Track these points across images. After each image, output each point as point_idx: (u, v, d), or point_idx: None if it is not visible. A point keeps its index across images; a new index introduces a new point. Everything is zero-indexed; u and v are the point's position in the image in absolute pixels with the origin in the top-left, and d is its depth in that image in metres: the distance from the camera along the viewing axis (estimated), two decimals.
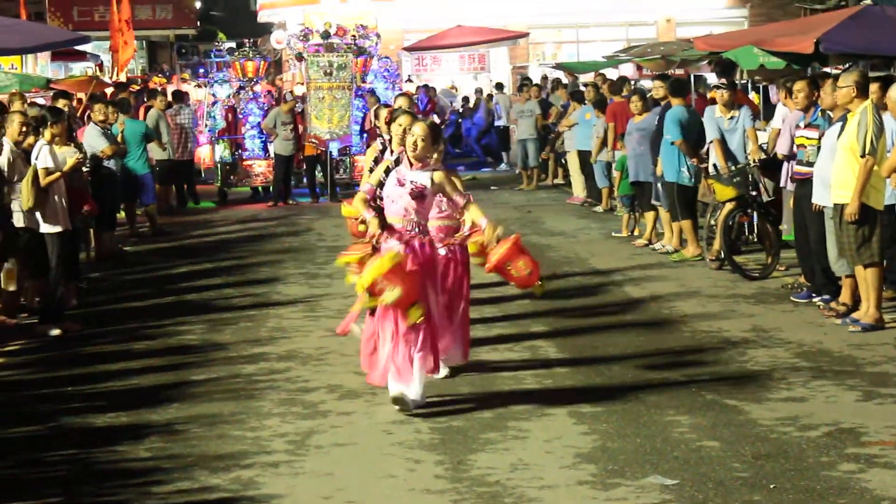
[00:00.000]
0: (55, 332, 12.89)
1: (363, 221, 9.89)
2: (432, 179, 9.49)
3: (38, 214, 12.90)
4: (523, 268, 9.87)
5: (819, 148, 12.76)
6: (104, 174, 17.97)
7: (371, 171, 11.40)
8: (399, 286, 9.10)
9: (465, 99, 36.22)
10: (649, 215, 18.12)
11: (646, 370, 10.75)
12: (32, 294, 13.92)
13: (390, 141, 10.89)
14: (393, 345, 9.39)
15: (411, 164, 9.51)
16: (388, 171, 9.63)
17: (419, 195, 9.48)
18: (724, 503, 7.38)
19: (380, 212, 9.59)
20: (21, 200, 12.80)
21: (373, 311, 9.78)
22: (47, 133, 13.39)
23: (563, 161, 26.73)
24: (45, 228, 12.96)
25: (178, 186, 25.87)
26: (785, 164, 14.11)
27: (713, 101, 17.47)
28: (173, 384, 10.79)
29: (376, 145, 11.78)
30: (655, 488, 7.67)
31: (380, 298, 9.18)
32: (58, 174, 12.99)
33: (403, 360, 9.34)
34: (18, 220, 13.12)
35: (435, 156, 9.63)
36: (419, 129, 9.53)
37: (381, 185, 9.63)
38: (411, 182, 9.46)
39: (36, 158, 12.91)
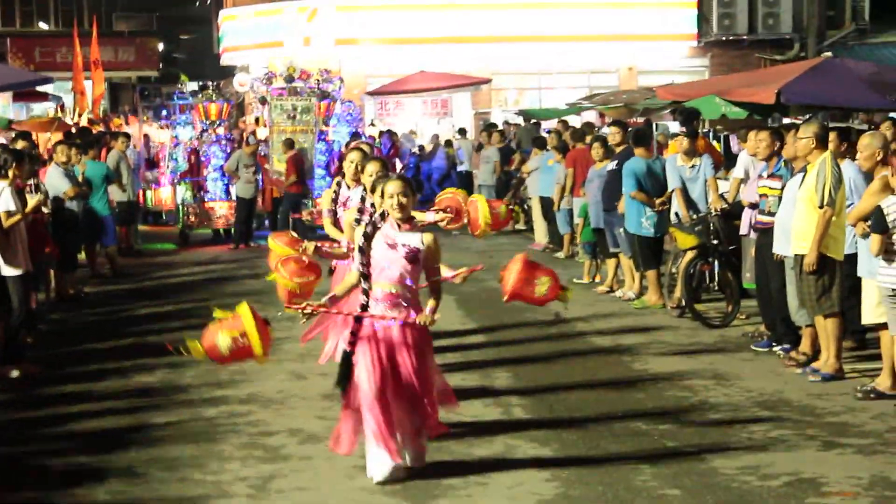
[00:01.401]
0: (15, 373, 12.80)
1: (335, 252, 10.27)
2: (423, 241, 8.87)
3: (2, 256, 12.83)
4: (544, 283, 9.80)
5: (780, 198, 12.86)
6: (66, 215, 17.91)
7: (333, 210, 11.76)
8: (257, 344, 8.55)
9: (421, 147, 36.29)
10: (611, 262, 18.19)
11: (608, 417, 10.75)
12: None
13: (364, 189, 11.06)
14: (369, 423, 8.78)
15: (399, 226, 8.89)
16: (366, 237, 8.90)
17: (414, 258, 8.82)
18: None
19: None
20: None
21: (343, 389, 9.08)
22: (10, 174, 13.32)
23: (525, 206, 26.83)
24: (6, 272, 12.88)
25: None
26: (747, 211, 14.20)
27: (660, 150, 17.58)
28: (133, 427, 10.72)
29: (329, 192, 12.15)
30: None
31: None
32: (19, 216, 12.93)
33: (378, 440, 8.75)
34: None
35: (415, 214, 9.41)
36: (398, 188, 8.85)
37: (360, 250, 8.89)
38: (403, 245, 8.82)
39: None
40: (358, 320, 8.87)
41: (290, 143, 26.26)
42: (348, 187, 11.78)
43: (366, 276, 8.86)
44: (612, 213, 17.29)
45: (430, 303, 8.87)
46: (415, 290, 8.90)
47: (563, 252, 22.61)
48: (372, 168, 10.83)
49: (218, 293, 18.95)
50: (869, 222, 10.99)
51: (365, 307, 8.87)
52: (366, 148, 12.65)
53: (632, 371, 12.81)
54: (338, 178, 12.15)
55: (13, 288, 12.89)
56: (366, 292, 8.89)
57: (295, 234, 12.26)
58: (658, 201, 16.26)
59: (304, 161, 26.31)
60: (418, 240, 8.87)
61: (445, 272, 9.38)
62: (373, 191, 10.08)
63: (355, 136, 27.04)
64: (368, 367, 8.73)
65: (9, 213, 12.84)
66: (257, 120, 30.43)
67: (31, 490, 8.91)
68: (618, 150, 17.66)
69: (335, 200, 11.87)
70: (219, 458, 9.64)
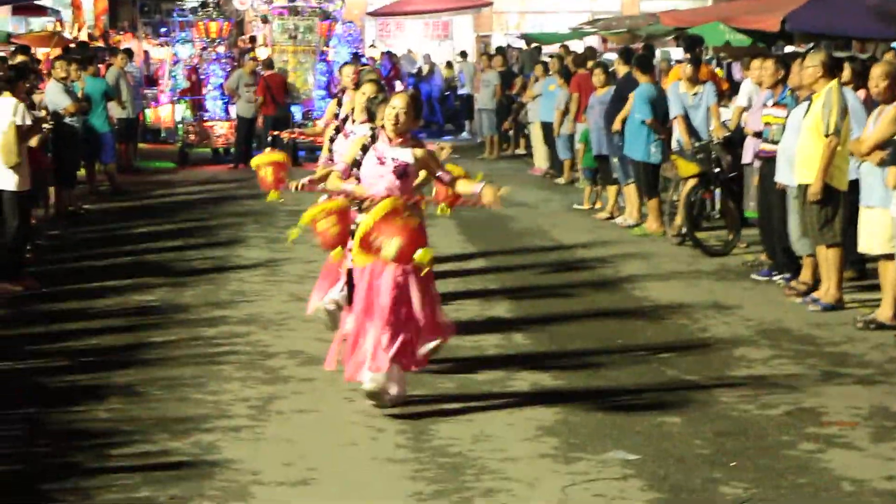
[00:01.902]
0: (17, 288, 12.78)
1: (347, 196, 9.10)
2: (414, 156, 8.71)
3: (13, 172, 12.74)
4: (392, 246, 8.43)
5: (784, 127, 12.78)
6: (65, 131, 17.82)
7: (337, 130, 11.40)
8: (397, 235, 8.28)
9: (419, 69, 36.11)
10: (612, 189, 18.15)
11: (607, 345, 10.76)
12: None
13: (353, 111, 10.80)
14: (373, 333, 8.60)
15: (390, 140, 8.73)
16: (364, 149, 8.80)
17: (403, 173, 8.66)
18: (684, 479, 7.40)
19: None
20: (2, 157, 12.61)
21: (350, 302, 9.07)
22: (19, 87, 13.23)
23: (525, 131, 26.74)
24: (6, 187, 12.80)
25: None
26: (750, 140, 14.13)
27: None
28: (133, 345, 10.72)
29: (333, 104, 11.96)
30: (617, 463, 7.69)
31: (379, 253, 8.34)
32: (39, 134, 12.92)
33: (381, 350, 8.56)
34: None
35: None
36: (401, 102, 8.72)
37: (356, 164, 8.80)
38: (392, 159, 8.67)
39: (14, 116, 12.75)
40: (352, 234, 8.71)
41: (268, 64, 26.09)
42: (353, 121, 10.80)
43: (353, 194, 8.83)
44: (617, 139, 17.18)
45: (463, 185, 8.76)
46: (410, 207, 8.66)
47: (564, 178, 22.55)
48: (369, 89, 10.33)
49: (217, 213, 18.93)
50: (886, 152, 10.94)
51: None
52: (374, 76, 11.42)
53: (632, 299, 12.80)
54: (339, 96, 11.93)
55: (12, 205, 12.83)
56: (359, 206, 8.79)
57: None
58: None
59: (279, 83, 26.00)
60: (409, 154, 8.70)
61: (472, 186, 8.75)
62: (369, 116, 9.73)
63: (356, 57, 26.82)
64: (361, 282, 8.69)
65: (23, 128, 12.80)
66: (254, 39, 30.24)
67: (29, 407, 8.89)
68: None
69: (335, 134, 10.97)
70: (218, 378, 9.63)
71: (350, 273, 9.04)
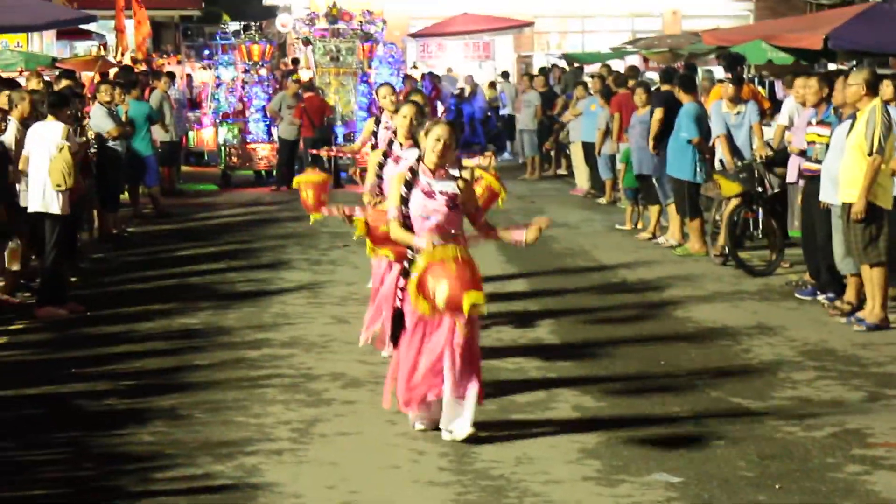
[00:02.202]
0: (62, 312, 12.85)
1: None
2: (459, 187, 8.45)
3: (59, 195, 12.84)
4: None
5: (828, 146, 12.72)
6: (109, 155, 17.93)
7: (373, 147, 11.45)
8: (444, 279, 7.99)
9: (461, 90, 36.15)
10: (654, 209, 18.10)
11: (650, 366, 10.72)
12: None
13: (395, 134, 10.77)
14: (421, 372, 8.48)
15: (433, 172, 8.44)
16: (408, 185, 8.44)
17: (454, 205, 8.38)
18: (728, 502, 7.36)
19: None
20: (53, 179, 12.71)
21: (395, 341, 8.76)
22: (67, 112, 13.35)
23: (566, 151, 26.71)
24: (55, 209, 12.89)
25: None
26: (794, 158, 14.06)
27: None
28: (177, 368, 10.76)
29: (371, 122, 12.03)
30: (660, 485, 7.65)
31: (433, 300, 8.03)
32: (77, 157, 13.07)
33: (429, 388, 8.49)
34: (24, 199, 13.12)
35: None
36: (445, 132, 8.41)
37: (405, 202, 8.44)
38: (441, 193, 8.38)
39: (64, 139, 12.85)
40: (406, 274, 8.42)
41: (308, 87, 26.18)
42: (401, 145, 10.62)
43: (408, 227, 8.46)
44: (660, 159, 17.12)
45: (504, 233, 8.63)
46: (460, 239, 8.43)
47: (605, 198, 22.50)
48: (408, 111, 10.41)
49: (260, 235, 18.99)
50: None
51: (412, 261, 8.37)
52: (419, 99, 11.40)
53: (674, 319, 12.75)
54: (377, 116, 11.96)
55: (52, 229, 12.89)
56: (409, 245, 8.49)
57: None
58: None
59: (317, 105, 26.08)
60: (454, 186, 8.44)
61: (512, 234, 8.61)
62: (411, 137, 9.70)
63: (408, 79, 26.91)
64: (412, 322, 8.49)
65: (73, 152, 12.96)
66: (296, 61, 30.39)
67: (74, 431, 8.94)
68: None
69: (384, 159, 10.69)
70: (261, 401, 9.65)
71: (397, 313, 8.65)
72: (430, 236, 8.27)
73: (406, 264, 8.52)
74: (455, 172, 8.60)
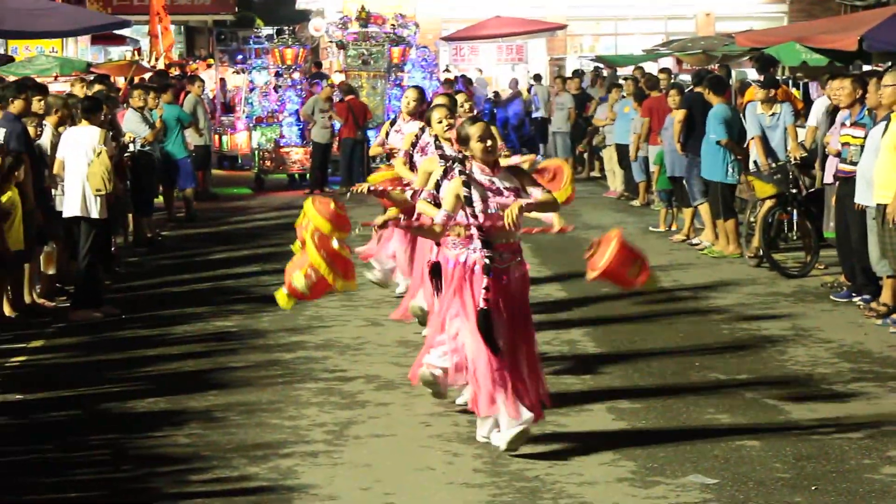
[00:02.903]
0: (97, 315, 12.92)
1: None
2: (516, 179, 8.36)
3: (98, 199, 12.91)
4: (637, 267, 8.77)
5: (863, 147, 12.66)
6: (143, 159, 18.00)
7: (414, 145, 11.53)
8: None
9: (496, 93, 36.13)
10: (688, 211, 18.05)
11: (685, 367, 10.70)
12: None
13: (437, 137, 10.82)
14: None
15: (491, 168, 8.31)
16: (467, 185, 8.22)
17: (519, 196, 8.22)
18: None
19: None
20: (93, 184, 12.78)
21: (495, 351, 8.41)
22: (83, 120, 13.39)
23: (599, 154, 26.67)
24: (93, 213, 12.96)
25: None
26: (830, 160, 14.00)
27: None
28: (212, 370, 10.81)
29: (387, 125, 12.33)
30: (695, 487, 7.63)
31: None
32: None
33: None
34: (59, 203, 13.20)
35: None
36: (484, 131, 8.30)
37: (468, 201, 8.19)
38: (506, 188, 8.24)
39: (102, 143, 12.94)
40: (487, 271, 8.19)
41: (347, 89, 26.23)
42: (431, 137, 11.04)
43: (480, 227, 8.20)
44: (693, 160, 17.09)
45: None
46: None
47: (639, 200, 22.45)
48: (439, 114, 10.64)
49: (293, 238, 18.84)
50: None
51: (491, 259, 8.19)
52: (444, 101, 11.56)
53: (709, 321, 12.72)
54: (421, 125, 11.95)
55: (87, 232, 12.95)
56: (487, 244, 8.22)
57: (339, 208, 11.01)
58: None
59: (361, 107, 26.14)
60: (511, 178, 8.33)
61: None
62: (460, 139, 9.60)
63: (446, 83, 26.90)
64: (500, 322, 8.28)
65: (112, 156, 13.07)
66: (318, 64, 30.46)
67: (110, 433, 8.99)
68: None
69: (414, 144, 11.41)
70: (296, 403, 9.68)
71: (484, 314, 8.23)
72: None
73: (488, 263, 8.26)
74: (506, 174, 8.40)
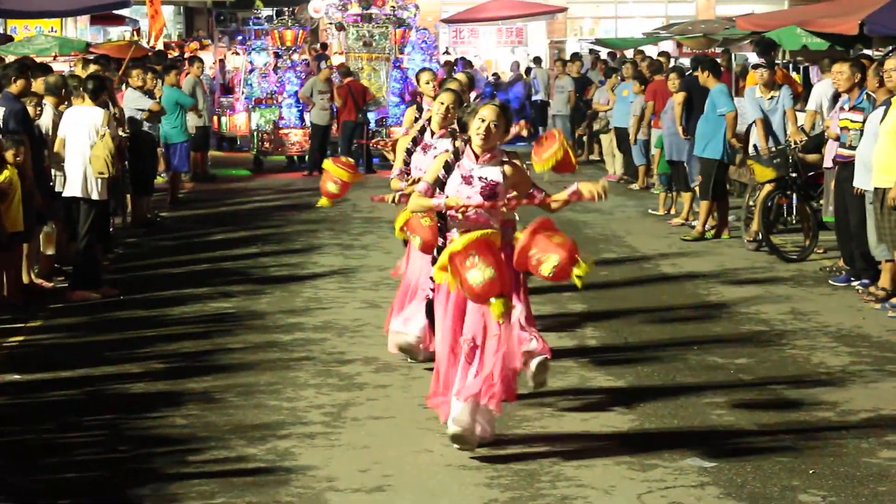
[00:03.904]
0: (95, 296, 12.92)
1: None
2: (504, 174, 7.90)
3: (99, 181, 12.92)
4: (550, 263, 7.75)
5: (862, 131, 12.65)
6: (143, 139, 17.95)
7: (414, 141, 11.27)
8: (492, 266, 7.51)
9: (496, 76, 36.06)
10: (686, 195, 18.05)
11: (684, 351, 10.69)
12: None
13: (429, 121, 10.08)
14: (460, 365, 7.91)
15: (477, 157, 7.92)
16: (447, 168, 7.98)
17: (492, 194, 7.84)
18: (762, 487, 7.34)
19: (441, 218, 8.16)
20: (96, 167, 12.78)
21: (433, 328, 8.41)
22: (87, 99, 13.35)
23: (599, 137, 26.64)
24: (94, 195, 12.96)
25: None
26: (830, 144, 13.99)
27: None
28: (210, 352, 10.81)
29: (412, 111, 11.62)
30: (693, 470, 7.64)
31: (462, 275, 7.53)
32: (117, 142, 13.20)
33: (468, 384, 7.84)
34: (59, 184, 13.19)
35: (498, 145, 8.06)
36: (490, 113, 7.84)
37: (439, 183, 7.97)
38: (480, 179, 7.86)
39: (106, 125, 12.93)
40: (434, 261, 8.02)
41: (346, 71, 26.17)
42: (432, 134, 10.00)
43: (442, 215, 8.08)
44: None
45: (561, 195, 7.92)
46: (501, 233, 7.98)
47: (638, 183, 22.44)
48: (447, 98, 9.84)
49: (292, 220, 19.02)
50: None
51: (441, 248, 8.01)
52: (457, 86, 10.70)
53: (707, 304, 12.72)
54: (419, 103, 11.67)
55: (87, 213, 12.94)
56: (442, 232, 8.15)
57: (351, 160, 11.35)
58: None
59: (360, 89, 26.09)
60: (498, 173, 7.89)
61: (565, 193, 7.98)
62: (461, 127, 9.38)
63: (447, 65, 26.75)
64: (443, 312, 8.05)
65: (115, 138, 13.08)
66: (325, 46, 30.39)
67: (108, 413, 8.99)
68: None
69: (412, 146, 10.25)
70: (294, 384, 9.67)
71: (429, 305, 8.61)
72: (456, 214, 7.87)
73: (436, 252, 8.28)
74: (497, 166, 7.96)
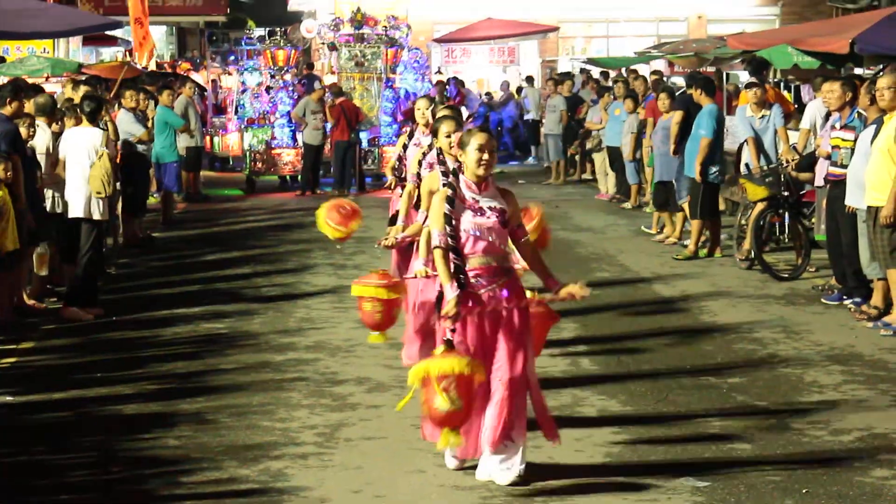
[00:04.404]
0: (89, 317, 12.92)
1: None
2: (506, 200, 7.79)
3: (100, 202, 12.97)
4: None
5: (853, 150, 12.68)
6: (136, 159, 17.95)
7: (400, 158, 11.26)
8: (463, 400, 7.34)
9: (489, 95, 36.09)
10: (679, 215, 18.07)
11: (676, 371, 10.69)
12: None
13: (440, 151, 9.79)
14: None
15: (479, 188, 7.75)
16: (450, 202, 7.70)
17: (504, 221, 7.69)
18: None
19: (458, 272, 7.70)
20: (93, 187, 12.87)
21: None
22: (84, 120, 13.39)
23: (591, 156, 26.67)
24: (95, 215, 13.00)
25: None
26: (821, 163, 14.02)
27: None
28: (202, 372, 10.80)
29: (403, 139, 11.62)
30: (687, 490, 7.64)
31: (431, 394, 7.32)
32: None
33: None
34: (51, 205, 13.22)
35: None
36: (487, 142, 7.70)
37: (448, 220, 7.68)
38: (490, 209, 7.68)
39: (103, 146, 13.00)
40: (439, 302, 7.82)
41: (338, 91, 26.17)
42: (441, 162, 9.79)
43: (457, 249, 7.70)
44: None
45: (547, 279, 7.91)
46: (510, 257, 7.91)
47: (630, 202, 22.46)
48: (448, 127, 9.60)
49: (284, 240, 19.02)
50: None
51: (462, 284, 7.65)
52: (450, 112, 10.46)
53: (700, 323, 12.72)
54: (412, 127, 11.65)
55: (88, 233, 12.98)
56: (459, 268, 7.68)
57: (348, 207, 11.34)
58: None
59: (353, 108, 26.09)
60: (500, 199, 7.75)
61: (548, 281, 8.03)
62: (458, 145, 9.26)
63: (438, 84, 26.72)
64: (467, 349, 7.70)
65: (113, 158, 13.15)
66: (311, 66, 30.43)
67: (101, 435, 8.98)
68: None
69: (421, 162, 10.33)
70: (287, 405, 9.67)
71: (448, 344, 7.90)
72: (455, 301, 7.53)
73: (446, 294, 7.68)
74: (496, 193, 7.82)
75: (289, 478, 7.96)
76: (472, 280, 7.70)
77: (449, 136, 9.32)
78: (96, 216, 12.98)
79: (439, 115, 10.20)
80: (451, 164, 9.44)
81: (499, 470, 7.75)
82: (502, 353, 7.71)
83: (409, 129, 11.86)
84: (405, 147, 11.29)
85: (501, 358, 7.71)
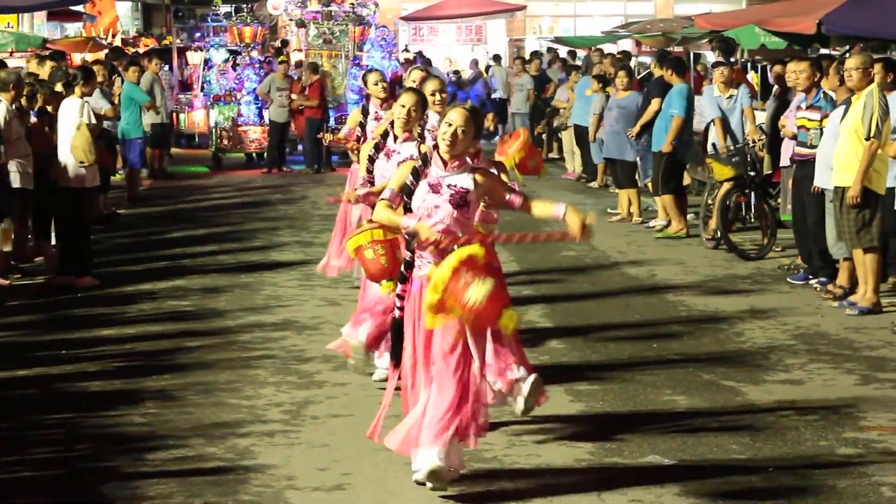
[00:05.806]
0: (80, 282, 13.26)
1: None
2: (475, 181, 7.29)
3: (87, 170, 13.18)
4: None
5: (822, 130, 12.71)
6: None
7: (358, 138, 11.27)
8: (489, 277, 6.97)
9: (457, 73, 36.05)
10: (623, 192, 18.22)
11: (642, 349, 10.72)
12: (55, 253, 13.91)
13: (392, 125, 9.53)
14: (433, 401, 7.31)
15: (445, 163, 7.31)
16: (415, 174, 7.36)
17: (461, 202, 7.23)
18: (722, 485, 7.36)
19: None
20: (76, 156, 13.00)
21: (397, 363, 7.69)
22: (77, 90, 13.39)
23: (558, 135, 26.68)
24: (87, 183, 13.30)
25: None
26: (787, 143, 14.06)
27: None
28: (168, 350, 10.75)
29: (357, 113, 11.74)
30: (653, 468, 7.64)
31: (460, 300, 6.88)
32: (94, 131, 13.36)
33: (440, 420, 7.22)
34: (15, 181, 13.14)
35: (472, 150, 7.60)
36: (458, 118, 7.23)
37: (406, 190, 7.33)
38: (449, 186, 7.24)
39: (81, 116, 13.15)
40: (402, 278, 7.50)
41: (314, 67, 26.06)
42: (395, 138, 9.44)
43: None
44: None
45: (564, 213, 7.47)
46: (468, 242, 7.23)
47: (597, 182, 22.48)
48: (407, 100, 9.25)
49: (251, 217, 18.96)
50: None
51: (410, 263, 7.46)
52: (434, 85, 10.18)
53: (667, 303, 12.75)
54: (365, 107, 11.68)
55: (84, 201, 13.16)
56: (409, 245, 7.48)
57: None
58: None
59: (325, 86, 26.05)
60: (468, 179, 7.29)
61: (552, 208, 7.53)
62: (405, 127, 9.21)
63: (406, 63, 26.69)
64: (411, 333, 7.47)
65: (91, 126, 13.20)
66: (285, 42, 30.32)
67: (66, 412, 8.93)
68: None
69: (375, 152, 9.56)
70: (253, 383, 9.64)
71: (396, 324, 7.66)
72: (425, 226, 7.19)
73: (403, 268, 7.54)
74: (467, 173, 7.34)
75: (255, 455, 7.93)
76: (418, 259, 7.41)
77: (404, 106, 9.21)
78: (87, 184, 13.31)
79: (420, 78, 10.29)
80: (392, 138, 9.43)
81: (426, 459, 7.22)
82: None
83: (362, 106, 11.89)
84: (362, 126, 11.34)
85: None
